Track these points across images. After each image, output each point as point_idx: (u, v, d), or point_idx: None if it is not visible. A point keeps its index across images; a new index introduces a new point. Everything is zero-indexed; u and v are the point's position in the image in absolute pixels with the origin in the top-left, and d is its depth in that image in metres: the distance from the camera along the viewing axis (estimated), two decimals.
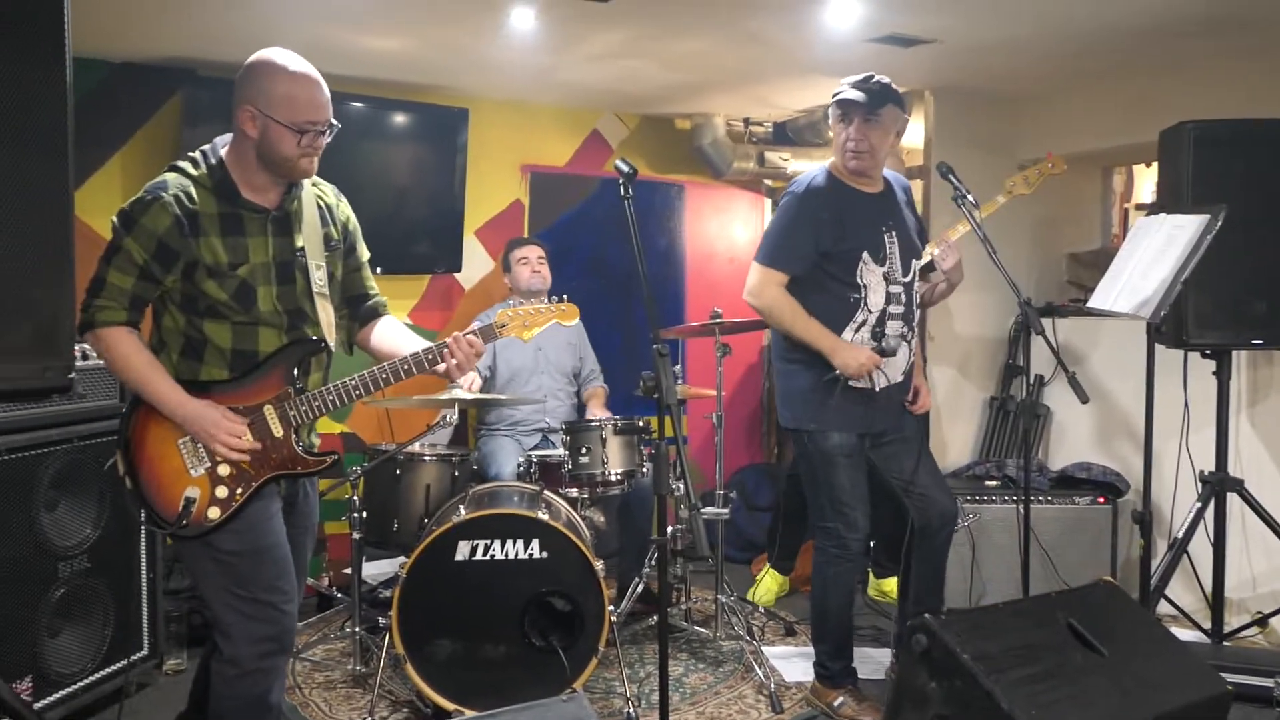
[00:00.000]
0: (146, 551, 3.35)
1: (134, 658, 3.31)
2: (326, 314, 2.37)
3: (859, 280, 3.09)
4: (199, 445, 2.23)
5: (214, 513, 2.22)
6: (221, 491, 2.23)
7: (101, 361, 3.08)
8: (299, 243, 2.33)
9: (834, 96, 3.10)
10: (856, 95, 3.04)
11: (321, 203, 2.44)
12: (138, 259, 2.16)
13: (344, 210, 2.51)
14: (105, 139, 4.15)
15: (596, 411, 4.46)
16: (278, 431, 2.28)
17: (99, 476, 3.13)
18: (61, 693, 2.99)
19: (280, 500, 2.37)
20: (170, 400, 2.19)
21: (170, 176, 2.23)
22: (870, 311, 3.11)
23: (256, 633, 2.27)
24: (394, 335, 2.54)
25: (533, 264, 4.42)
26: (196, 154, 2.28)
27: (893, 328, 3.14)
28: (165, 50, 4.03)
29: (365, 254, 2.56)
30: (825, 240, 3.07)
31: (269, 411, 2.28)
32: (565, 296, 2.55)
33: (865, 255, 3.09)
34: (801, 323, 3.09)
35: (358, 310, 2.57)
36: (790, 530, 4.67)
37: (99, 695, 3.14)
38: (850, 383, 3.08)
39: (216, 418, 2.21)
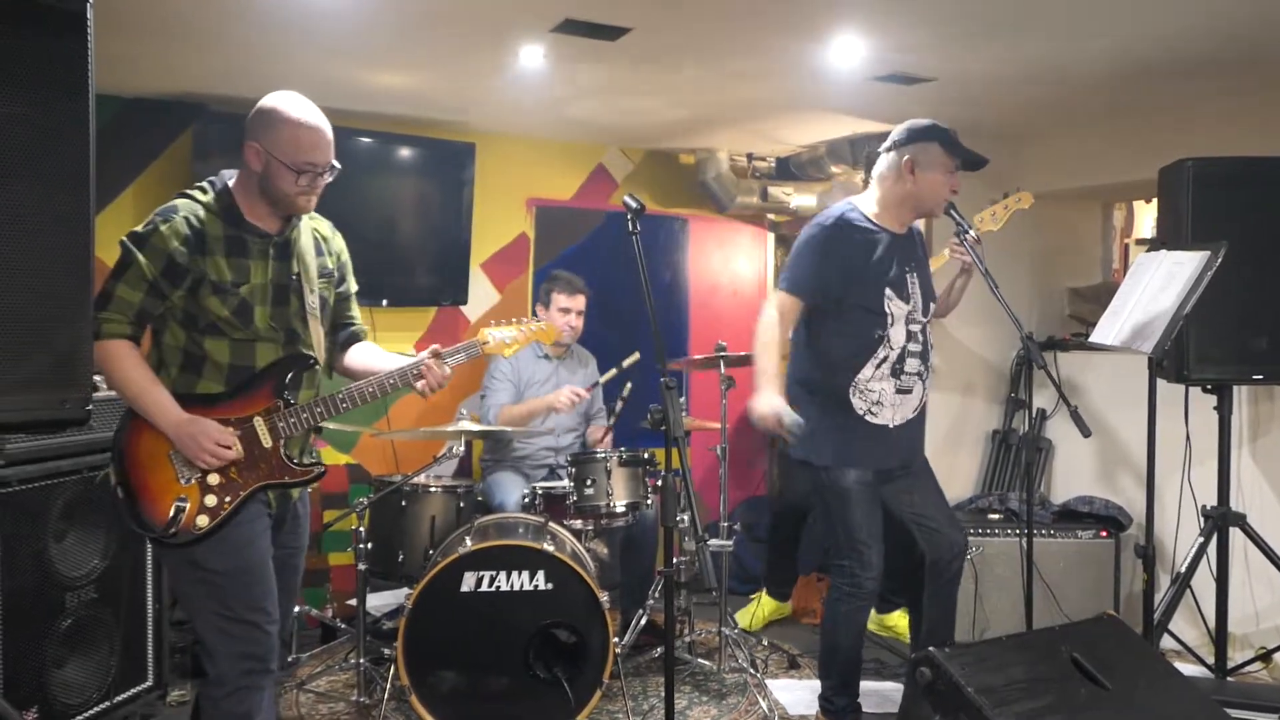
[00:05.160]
0: (153, 583, 3.35)
1: (139, 688, 3.31)
2: (317, 335, 2.51)
3: (886, 311, 3.10)
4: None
5: (203, 520, 2.30)
6: (210, 500, 2.32)
7: (111, 392, 3.12)
8: (295, 268, 2.46)
9: (951, 143, 3.13)
10: (977, 157, 3.15)
11: (317, 234, 2.59)
12: (148, 274, 2.28)
13: (338, 243, 2.65)
14: (118, 173, 4.21)
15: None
16: (266, 442, 2.38)
17: (107, 508, 3.14)
18: None
19: (269, 520, 2.45)
20: (164, 415, 2.29)
21: (180, 201, 2.37)
22: (892, 348, 3.12)
23: (239, 650, 2.33)
24: (369, 357, 2.68)
25: (573, 318, 4.33)
26: (205, 183, 2.43)
27: (911, 365, 3.16)
28: (177, 86, 4.10)
29: (353, 286, 2.70)
30: (853, 271, 3.10)
31: (259, 423, 2.38)
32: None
33: (889, 291, 3.11)
34: (759, 351, 3.11)
35: (339, 336, 2.71)
36: (780, 562, 4.67)
37: None
38: (867, 419, 3.11)
39: (204, 432, 2.29)
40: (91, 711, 3.08)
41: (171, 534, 2.28)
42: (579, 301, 4.39)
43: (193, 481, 2.32)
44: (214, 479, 2.33)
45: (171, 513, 2.28)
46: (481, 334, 2.64)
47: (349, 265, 2.68)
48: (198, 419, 2.30)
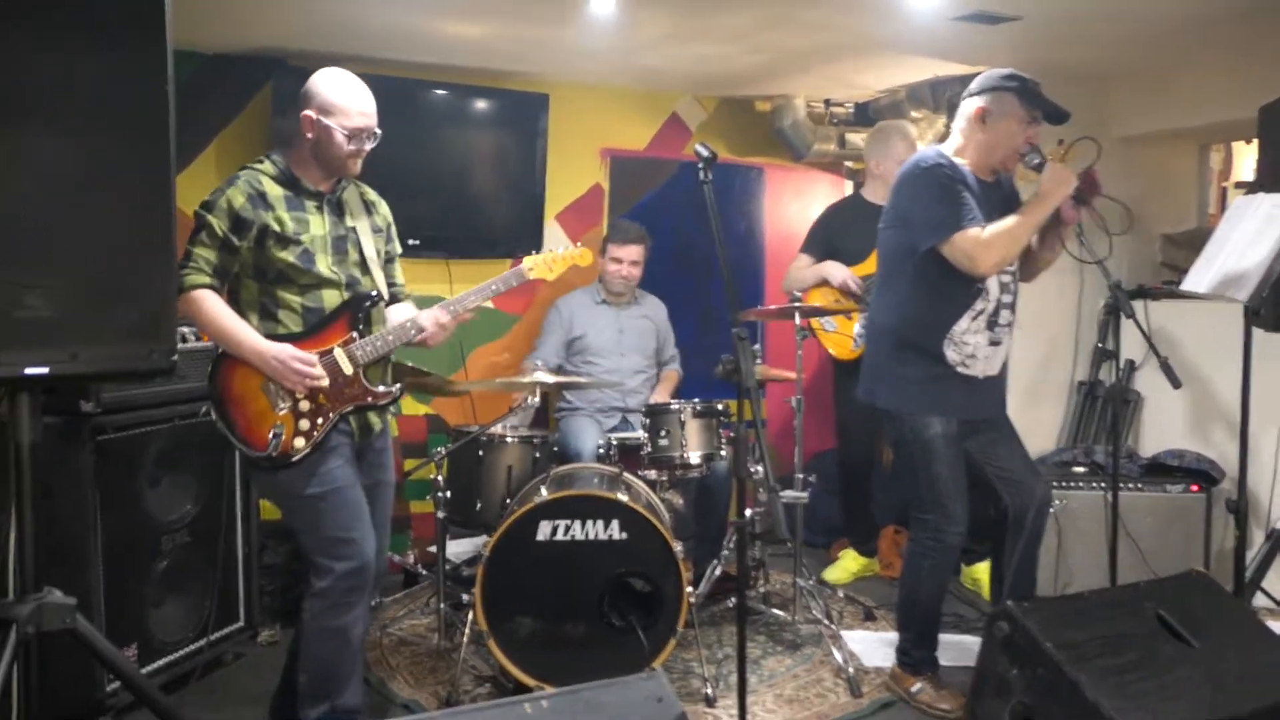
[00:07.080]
0: (242, 528, 3.48)
1: (231, 629, 3.45)
2: (379, 278, 2.80)
3: None
4: (280, 387, 2.59)
5: (299, 443, 2.60)
6: (304, 424, 2.61)
7: (198, 344, 3.22)
8: (349, 223, 2.76)
9: (1029, 93, 2.99)
10: (1058, 109, 3.01)
11: (365, 199, 2.87)
12: (218, 231, 2.57)
13: (384, 208, 2.93)
14: (200, 129, 4.28)
15: (661, 395, 4.49)
16: (348, 369, 2.66)
17: (199, 455, 3.26)
18: (163, 660, 3.14)
19: (350, 450, 2.73)
20: (250, 347, 2.56)
21: (242, 172, 2.67)
22: (989, 301, 3.06)
23: (340, 568, 2.64)
24: (403, 317, 2.88)
25: (624, 268, 4.44)
26: (263, 156, 2.74)
27: (1004, 317, 3.10)
28: (255, 41, 4.15)
29: (398, 248, 2.99)
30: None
31: (339, 353, 2.66)
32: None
33: None
34: (1003, 227, 2.94)
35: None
36: (857, 516, 4.64)
37: (198, 664, 3.29)
38: (959, 369, 3.05)
39: (289, 355, 2.56)
40: (187, 649, 3.23)
41: (273, 458, 2.57)
42: (631, 251, 4.45)
43: (286, 410, 2.60)
44: (305, 405, 2.61)
45: (271, 438, 2.57)
46: (525, 261, 2.95)
47: (394, 228, 2.95)
48: (280, 345, 2.57)
